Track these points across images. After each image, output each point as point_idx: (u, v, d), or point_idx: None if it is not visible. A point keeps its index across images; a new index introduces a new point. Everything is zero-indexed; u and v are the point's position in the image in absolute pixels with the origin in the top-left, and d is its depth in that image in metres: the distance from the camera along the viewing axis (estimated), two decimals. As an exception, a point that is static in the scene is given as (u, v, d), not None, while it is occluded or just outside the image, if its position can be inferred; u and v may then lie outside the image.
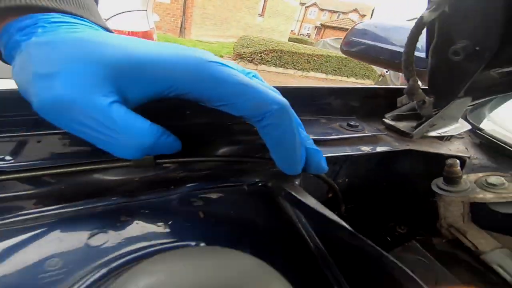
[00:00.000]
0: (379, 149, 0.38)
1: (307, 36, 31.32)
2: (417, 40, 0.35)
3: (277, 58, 6.64)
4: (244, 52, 6.52)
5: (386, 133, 0.41)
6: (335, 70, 7.36)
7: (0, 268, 0.17)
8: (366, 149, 0.37)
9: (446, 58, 0.37)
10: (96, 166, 0.23)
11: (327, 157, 0.27)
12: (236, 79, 0.21)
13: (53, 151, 0.24)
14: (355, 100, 0.45)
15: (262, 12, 12.66)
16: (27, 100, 0.20)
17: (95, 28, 0.23)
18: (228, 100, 0.21)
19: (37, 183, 0.23)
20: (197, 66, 0.20)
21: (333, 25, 27.96)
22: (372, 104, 0.46)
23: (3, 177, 0.21)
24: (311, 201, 0.24)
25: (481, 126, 0.45)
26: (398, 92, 0.45)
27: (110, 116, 0.19)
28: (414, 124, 0.42)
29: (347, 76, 7.57)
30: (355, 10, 35.50)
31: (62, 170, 0.23)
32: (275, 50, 6.59)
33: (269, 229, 0.26)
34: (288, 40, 12.70)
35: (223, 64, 0.21)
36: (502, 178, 0.33)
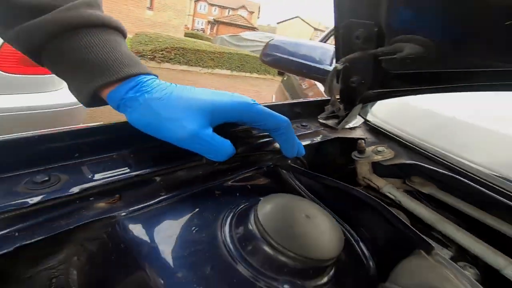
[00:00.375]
0: (321, 139, 0.62)
1: (202, 31, 30.93)
2: (334, 78, 0.60)
3: (180, 56, 6.58)
4: (143, 50, 6.20)
5: (322, 128, 0.66)
6: (239, 67, 7.82)
7: (186, 222, 0.32)
8: (315, 140, 0.61)
9: (348, 84, 0.64)
10: (183, 166, 0.39)
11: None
12: (264, 111, 0.40)
13: (147, 161, 0.38)
14: (299, 108, 0.69)
15: (151, 5, 11.98)
16: (152, 134, 0.34)
17: (156, 78, 0.38)
18: (261, 122, 0.40)
19: (150, 181, 0.37)
20: (248, 107, 0.38)
21: (225, 21, 28.49)
22: (309, 110, 0.70)
23: (138, 178, 0.35)
24: (303, 169, 0.46)
25: (367, 118, 0.75)
26: (324, 102, 0.71)
27: (214, 139, 0.36)
28: (336, 121, 0.69)
29: (250, 72, 8.15)
30: (243, 7, 37.00)
31: (166, 171, 0.38)
32: (177, 47, 6.51)
33: (280, 190, 0.46)
34: (184, 36, 12.50)
35: (256, 104, 0.40)
36: (383, 147, 0.62)
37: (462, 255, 0.47)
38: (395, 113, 0.82)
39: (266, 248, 0.29)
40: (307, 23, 37.00)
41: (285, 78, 2.34)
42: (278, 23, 44.05)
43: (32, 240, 0.27)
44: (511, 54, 0.39)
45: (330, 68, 0.88)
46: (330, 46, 1.00)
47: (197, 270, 0.28)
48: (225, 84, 6.51)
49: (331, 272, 0.31)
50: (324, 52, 1.01)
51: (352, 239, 0.40)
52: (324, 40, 2.23)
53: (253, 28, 26.53)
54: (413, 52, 0.42)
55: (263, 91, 6.64)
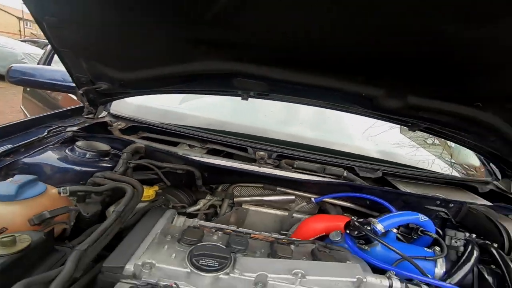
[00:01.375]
0: (89, 123, 1.28)
1: None
2: (84, 97, 1.26)
3: None
4: None
5: (87, 119, 1.32)
6: None
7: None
8: (87, 123, 1.26)
9: (89, 98, 1.32)
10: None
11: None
12: None
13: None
14: (70, 112, 1.29)
15: None
16: None
17: None
18: None
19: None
20: None
21: None
22: (77, 112, 1.32)
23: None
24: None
25: (110, 111, 1.48)
26: (82, 107, 1.34)
27: None
28: (92, 115, 1.35)
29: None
30: None
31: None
32: None
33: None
34: None
35: None
36: (119, 122, 1.38)
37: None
38: (123, 106, 1.59)
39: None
40: (5, 11, 28.77)
41: (28, 89, 2.50)
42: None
43: None
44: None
45: (72, 84, 1.48)
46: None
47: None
48: None
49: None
50: (65, 74, 1.57)
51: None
52: (48, 60, 2.61)
53: None
54: (104, 88, 1.18)
55: (-3, 103, 5.25)
